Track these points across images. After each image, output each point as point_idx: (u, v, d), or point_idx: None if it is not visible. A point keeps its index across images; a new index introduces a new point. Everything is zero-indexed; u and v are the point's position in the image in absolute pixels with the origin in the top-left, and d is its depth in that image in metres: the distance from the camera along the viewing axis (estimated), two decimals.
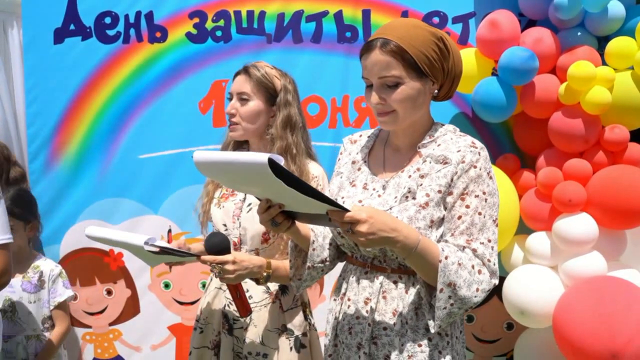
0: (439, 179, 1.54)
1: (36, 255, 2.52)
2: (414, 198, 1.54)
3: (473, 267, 1.51)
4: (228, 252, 1.84)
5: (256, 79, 2.00)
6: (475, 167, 1.54)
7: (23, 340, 2.39)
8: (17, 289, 2.42)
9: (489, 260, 1.53)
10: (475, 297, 1.50)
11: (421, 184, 1.55)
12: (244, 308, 1.85)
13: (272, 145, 2.00)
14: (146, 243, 1.76)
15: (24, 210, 2.44)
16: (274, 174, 1.33)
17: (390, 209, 1.55)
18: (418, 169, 1.58)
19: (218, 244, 1.83)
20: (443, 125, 1.65)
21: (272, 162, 1.32)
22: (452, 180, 1.53)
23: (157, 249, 1.78)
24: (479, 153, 1.56)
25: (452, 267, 1.48)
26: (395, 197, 1.57)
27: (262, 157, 1.33)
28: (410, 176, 1.58)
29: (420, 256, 1.47)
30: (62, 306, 2.49)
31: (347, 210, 1.40)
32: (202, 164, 1.49)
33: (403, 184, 1.57)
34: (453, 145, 1.57)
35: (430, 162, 1.57)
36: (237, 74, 2.06)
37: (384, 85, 1.55)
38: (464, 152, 1.54)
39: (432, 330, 1.52)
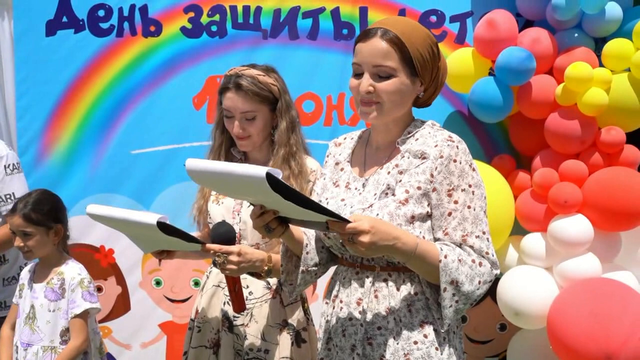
0: (418, 175, 1.53)
1: (66, 259, 2.32)
2: (393, 194, 1.53)
3: (473, 261, 1.52)
4: (233, 242, 1.83)
5: (254, 93, 1.93)
6: (455, 161, 1.53)
7: (39, 351, 2.22)
8: (39, 295, 2.25)
9: (487, 253, 1.54)
10: (477, 289, 1.52)
11: (400, 180, 1.55)
12: (239, 303, 1.83)
13: (272, 147, 2.00)
14: (159, 221, 1.69)
15: (43, 216, 2.24)
16: (272, 188, 1.30)
17: (371, 206, 1.54)
18: (397, 165, 1.57)
19: (224, 234, 1.81)
20: (423, 121, 1.64)
21: (270, 177, 1.29)
22: (432, 175, 1.52)
23: (169, 225, 1.72)
24: (457, 146, 1.54)
25: (453, 265, 1.48)
26: (375, 194, 1.56)
27: (260, 171, 1.29)
28: (389, 172, 1.57)
29: (420, 259, 1.48)
30: (81, 318, 2.24)
31: (348, 221, 1.39)
32: (194, 172, 1.45)
33: (382, 181, 1.57)
34: (430, 139, 1.57)
35: (408, 157, 1.56)
36: (226, 89, 1.95)
37: (376, 75, 1.54)
38: (441, 147, 1.53)
39: (443, 330, 1.53)
